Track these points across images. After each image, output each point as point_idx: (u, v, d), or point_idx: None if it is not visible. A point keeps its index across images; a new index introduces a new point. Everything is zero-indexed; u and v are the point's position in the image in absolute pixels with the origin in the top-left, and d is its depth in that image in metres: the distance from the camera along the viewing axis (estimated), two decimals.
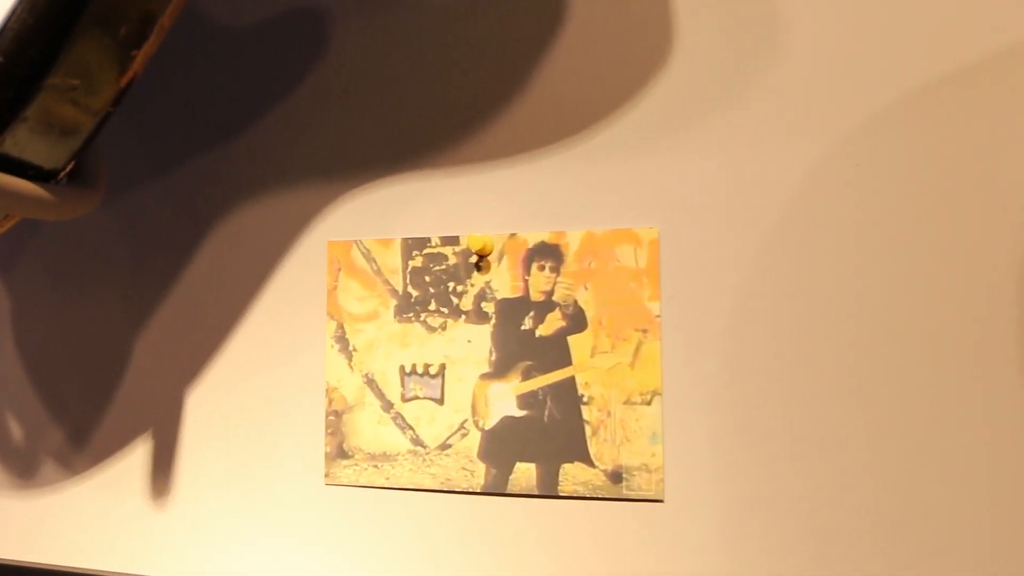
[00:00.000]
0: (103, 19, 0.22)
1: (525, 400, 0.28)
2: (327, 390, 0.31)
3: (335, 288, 0.31)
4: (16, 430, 0.34)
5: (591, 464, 0.28)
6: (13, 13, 0.21)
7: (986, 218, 0.25)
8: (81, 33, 0.22)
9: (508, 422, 0.29)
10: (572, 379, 0.28)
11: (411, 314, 0.30)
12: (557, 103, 0.30)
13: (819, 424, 0.26)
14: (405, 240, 0.31)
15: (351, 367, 0.31)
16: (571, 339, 0.29)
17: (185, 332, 0.33)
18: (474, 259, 0.30)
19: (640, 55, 0.30)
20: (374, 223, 0.31)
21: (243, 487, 0.31)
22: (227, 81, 0.33)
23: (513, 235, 0.30)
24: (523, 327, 0.29)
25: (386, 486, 0.30)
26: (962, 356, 0.25)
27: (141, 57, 0.24)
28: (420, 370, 0.30)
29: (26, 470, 0.34)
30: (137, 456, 0.32)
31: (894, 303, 0.26)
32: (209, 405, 0.32)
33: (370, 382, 0.30)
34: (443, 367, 0.30)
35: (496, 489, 0.28)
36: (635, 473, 0.27)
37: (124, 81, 0.24)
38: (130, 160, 0.34)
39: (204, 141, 0.33)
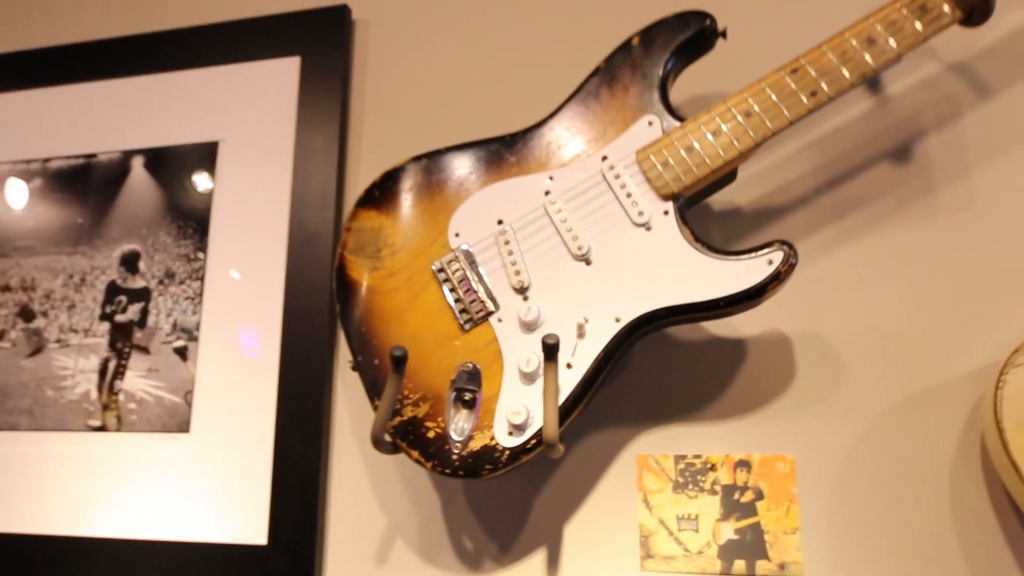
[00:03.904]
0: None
1: (740, 531, 0.66)
2: (639, 527, 0.68)
3: (640, 476, 0.69)
4: None
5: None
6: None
7: None
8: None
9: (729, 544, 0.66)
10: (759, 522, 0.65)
11: (680, 492, 0.68)
12: None
13: None
14: (676, 456, 0.69)
15: (651, 515, 0.68)
16: (758, 505, 0.66)
17: (568, 495, 0.70)
18: (710, 466, 0.68)
19: None
20: (658, 446, 0.69)
21: None
22: None
23: (728, 455, 0.68)
24: (735, 498, 0.66)
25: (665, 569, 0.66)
26: None
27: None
28: (686, 516, 0.67)
29: None
30: None
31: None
32: (579, 538, 0.69)
33: (661, 522, 0.68)
34: (698, 516, 0.67)
35: None
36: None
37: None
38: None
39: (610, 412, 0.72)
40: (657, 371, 0.71)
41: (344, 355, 0.79)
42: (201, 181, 0.89)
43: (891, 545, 0.63)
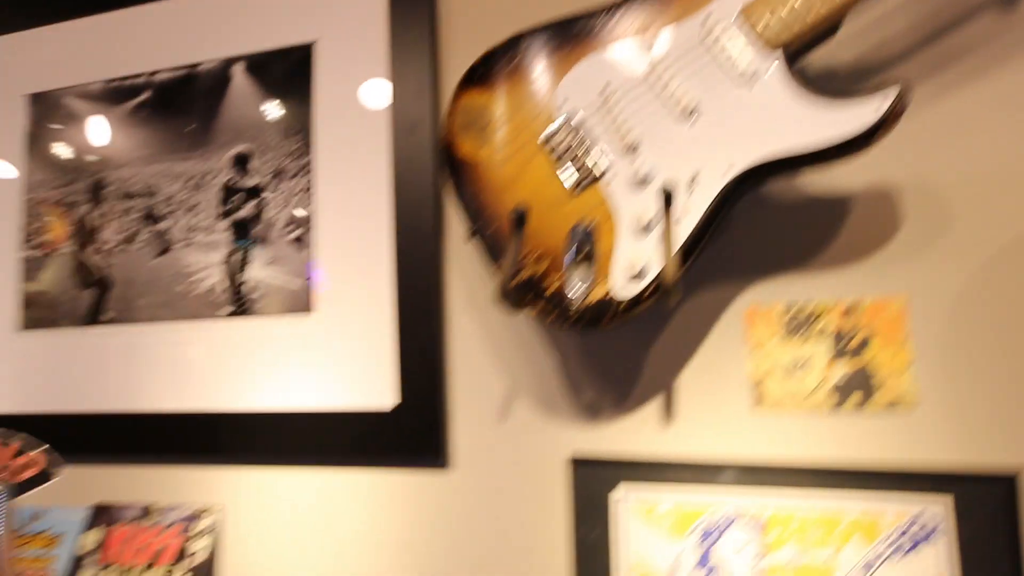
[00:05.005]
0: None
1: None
2: (751, 373, 0.72)
3: (750, 325, 0.72)
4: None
5: None
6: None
7: None
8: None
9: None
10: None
11: (791, 338, 0.71)
12: None
13: None
14: (785, 304, 0.71)
15: (762, 361, 0.71)
16: (869, 345, 0.69)
17: (679, 348, 0.74)
18: (820, 312, 0.70)
19: None
20: (767, 295, 0.72)
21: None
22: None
23: (837, 300, 0.70)
24: (846, 340, 0.69)
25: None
26: None
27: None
28: (797, 361, 0.70)
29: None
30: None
31: None
32: (691, 386, 0.73)
33: (772, 367, 0.71)
34: (809, 360, 0.70)
35: None
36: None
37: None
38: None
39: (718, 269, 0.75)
40: (762, 227, 0.73)
41: (452, 234, 0.84)
42: (301, 80, 0.92)
43: (1004, 380, 0.65)
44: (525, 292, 0.68)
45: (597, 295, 0.66)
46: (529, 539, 0.76)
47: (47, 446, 0.78)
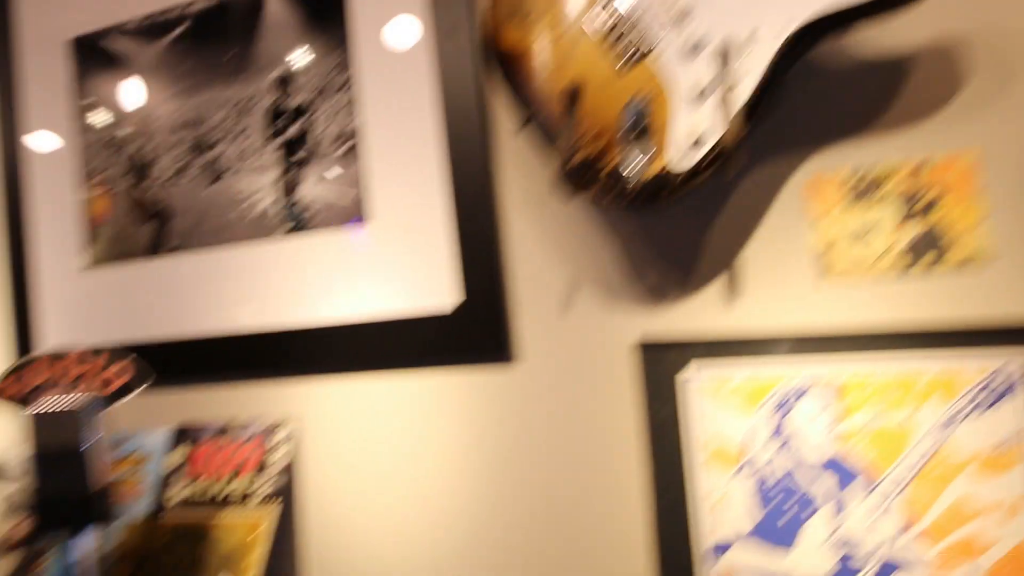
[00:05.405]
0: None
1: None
2: (817, 242, 0.70)
3: (816, 193, 0.71)
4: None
5: None
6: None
7: None
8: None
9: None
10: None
11: (858, 204, 0.69)
12: None
13: None
14: (851, 169, 0.70)
15: (829, 230, 0.70)
16: (940, 203, 0.67)
17: (741, 224, 0.73)
18: (887, 174, 0.68)
19: None
20: (832, 162, 0.70)
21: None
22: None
23: (905, 159, 0.68)
24: (915, 200, 0.67)
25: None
26: None
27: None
28: (864, 227, 0.69)
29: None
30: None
31: None
32: (756, 261, 0.72)
33: (838, 235, 0.69)
34: (877, 224, 0.68)
35: None
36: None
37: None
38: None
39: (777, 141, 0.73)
40: (821, 95, 0.71)
41: (501, 131, 0.83)
42: None
43: None
44: (583, 172, 0.67)
45: (655, 169, 0.65)
46: (599, 424, 0.77)
47: (134, 355, 0.81)
